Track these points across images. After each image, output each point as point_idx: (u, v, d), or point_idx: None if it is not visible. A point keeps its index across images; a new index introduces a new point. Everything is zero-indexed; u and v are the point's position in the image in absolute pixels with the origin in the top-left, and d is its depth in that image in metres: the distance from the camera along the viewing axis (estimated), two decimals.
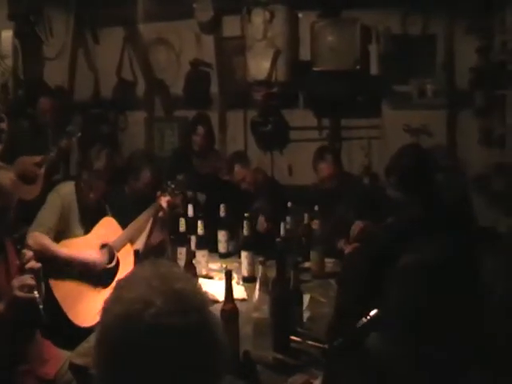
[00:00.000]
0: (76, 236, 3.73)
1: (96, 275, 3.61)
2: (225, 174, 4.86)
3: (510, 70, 4.98)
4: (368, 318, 1.63)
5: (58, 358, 2.96)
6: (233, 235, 4.07)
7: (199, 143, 5.09)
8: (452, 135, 5.54)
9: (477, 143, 5.48)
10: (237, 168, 4.69)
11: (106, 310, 1.21)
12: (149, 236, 4.06)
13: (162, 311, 1.17)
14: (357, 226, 3.45)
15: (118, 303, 1.20)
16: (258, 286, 2.68)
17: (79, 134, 5.20)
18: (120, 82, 6.57)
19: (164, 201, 4.05)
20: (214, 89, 6.34)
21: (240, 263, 3.63)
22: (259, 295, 2.66)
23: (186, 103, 6.25)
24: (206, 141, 5.14)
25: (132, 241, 3.92)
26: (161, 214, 4.04)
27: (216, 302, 2.95)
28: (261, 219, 4.23)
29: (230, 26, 6.18)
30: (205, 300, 1.27)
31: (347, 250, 3.53)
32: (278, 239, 2.97)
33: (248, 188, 4.64)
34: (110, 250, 3.77)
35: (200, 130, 5.10)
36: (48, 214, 3.66)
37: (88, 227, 3.78)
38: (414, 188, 3.14)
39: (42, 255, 3.17)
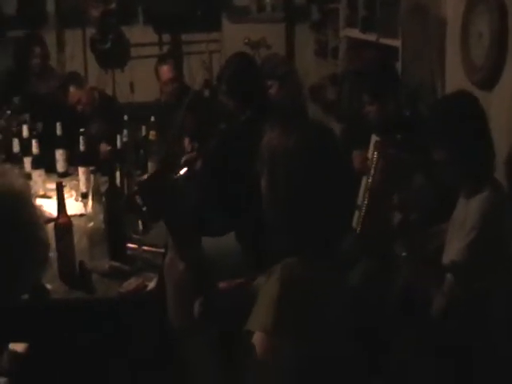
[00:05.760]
0: None
1: None
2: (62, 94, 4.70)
3: None
4: (178, 174, 1.65)
5: None
6: (70, 154, 3.96)
7: (38, 64, 4.92)
8: (290, 47, 5.68)
9: (313, 54, 5.67)
10: (71, 90, 4.52)
11: None
12: None
13: None
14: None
15: None
16: (90, 196, 2.67)
17: None
18: None
19: None
20: (50, 7, 6.04)
21: (79, 181, 3.57)
22: (93, 205, 2.66)
23: (19, 23, 5.91)
24: (43, 61, 4.97)
25: None
26: None
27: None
28: (103, 146, 4.14)
29: None
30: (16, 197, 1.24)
31: (185, 157, 3.60)
32: (108, 147, 2.93)
33: (84, 110, 4.52)
34: None
35: (37, 50, 4.93)
36: None
37: None
38: (242, 94, 3.23)
39: None
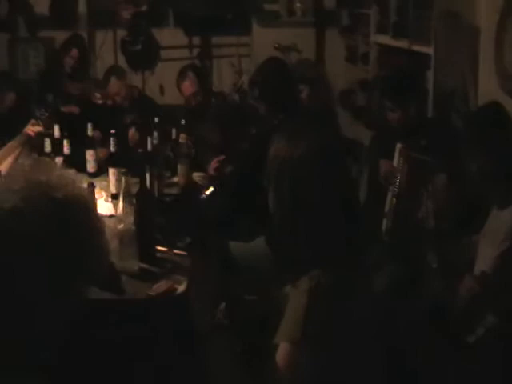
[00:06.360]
0: None
1: None
2: (97, 98, 4.74)
3: None
4: (204, 195, 1.66)
5: None
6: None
7: (72, 65, 5.00)
8: (320, 52, 5.67)
9: (344, 60, 5.66)
10: (112, 80, 4.61)
11: None
12: (15, 159, 3.92)
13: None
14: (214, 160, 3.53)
15: None
16: (121, 198, 2.68)
17: None
18: None
19: (33, 130, 3.89)
20: (82, 8, 6.09)
21: (109, 182, 3.59)
22: (123, 207, 2.67)
23: (51, 23, 5.97)
24: (79, 63, 5.05)
25: None
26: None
27: None
28: (131, 131, 4.18)
29: None
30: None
31: (214, 163, 3.61)
32: (139, 150, 2.95)
33: (122, 102, 4.57)
34: None
35: (74, 51, 5.02)
36: None
37: None
38: (275, 99, 3.24)
39: None
